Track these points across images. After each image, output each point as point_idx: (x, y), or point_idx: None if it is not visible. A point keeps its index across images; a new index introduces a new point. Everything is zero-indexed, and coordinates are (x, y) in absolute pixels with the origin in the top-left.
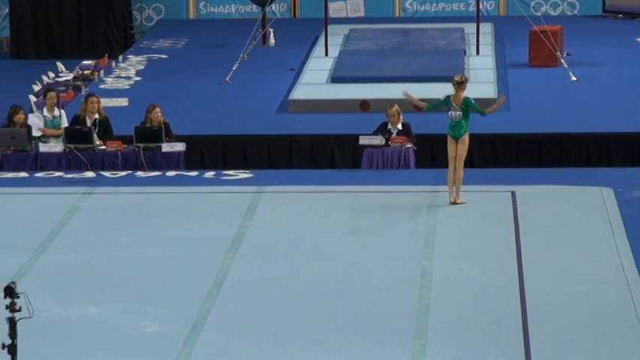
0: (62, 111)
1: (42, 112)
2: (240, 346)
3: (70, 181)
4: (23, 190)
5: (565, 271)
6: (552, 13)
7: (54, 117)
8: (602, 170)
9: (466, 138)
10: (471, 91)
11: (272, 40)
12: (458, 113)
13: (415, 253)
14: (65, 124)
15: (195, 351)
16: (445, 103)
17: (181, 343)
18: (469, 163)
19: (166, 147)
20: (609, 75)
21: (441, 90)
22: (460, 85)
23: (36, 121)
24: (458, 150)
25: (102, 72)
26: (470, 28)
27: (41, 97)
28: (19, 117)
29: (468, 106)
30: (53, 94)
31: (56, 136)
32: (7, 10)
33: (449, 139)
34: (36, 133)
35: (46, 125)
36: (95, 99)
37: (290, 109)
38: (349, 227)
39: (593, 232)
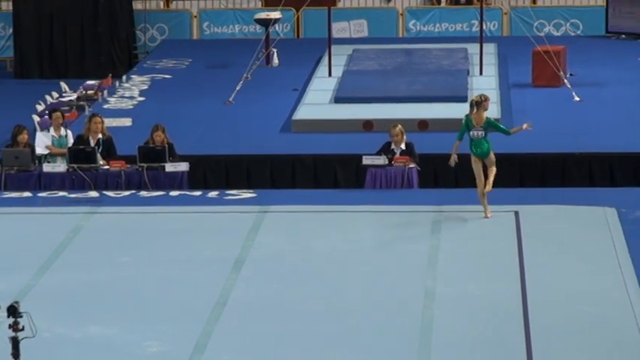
0: (68, 131)
1: (49, 132)
2: None
3: (74, 201)
4: (27, 209)
5: (568, 290)
6: (555, 33)
7: (60, 136)
8: (605, 190)
9: (492, 155)
10: None
11: (275, 61)
12: (480, 132)
13: (419, 272)
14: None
15: None
16: (466, 125)
17: None
18: (472, 182)
19: (170, 167)
20: (612, 95)
21: (444, 110)
22: (479, 104)
23: (44, 140)
24: (488, 168)
25: (105, 92)
26: (473, 48)
27: (45, 117)
28: (23, 137)
29: (489, 125)
30: (59, 113)
31: (63, 155)
32: (10, 30)
33: (473, 158)
34: (42, 151)
35: (52, 144)
36: (99, 119)
37: (293, 129)
38: (353, 247)
39: (597, 251)
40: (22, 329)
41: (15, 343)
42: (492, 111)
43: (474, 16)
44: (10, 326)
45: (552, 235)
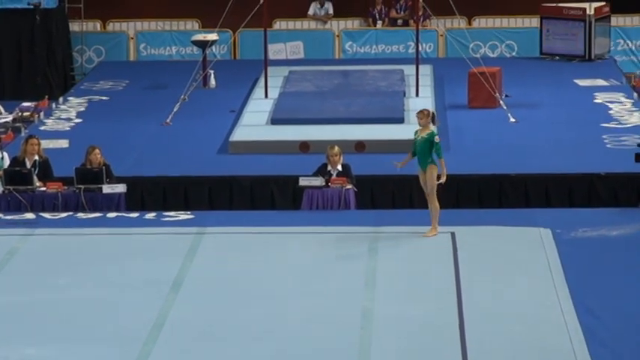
0: (4, 153)
1: None
2: None
3: (10, 223)
4: None
5: (504, 311)
6: (491, 55)
7: None
8: (540, 211)
9: (430, 168)
10: (412, 133)
11: (212, 82)
12: (421, 144)
13: (356, 293)
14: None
15: None
16: (415, 140)
17: None
18: (409, 204)
19: (107, 188)
20: (547, 116)
21: (381, 132)
22: (421, 120)
23: None
24: (427, 180)
25: (42, 114)
26: (409, 69)
27: None
28: None
29: (430, 141)
30: None
31: None
32: None
33: (419, 170)
34: None
35: None
36: (35, 140)
37: (230, 150)
38: (290, 268)
39: (532, 272)
40: None
41: None
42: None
43: (410, 37)
44: None
45: (488, 255)
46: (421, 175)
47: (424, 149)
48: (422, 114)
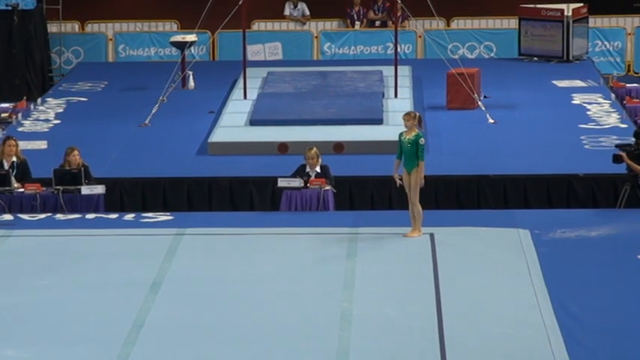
0: None
1: None
2: None
3: None
4: None
5: (483, 312)
6: (469, 56)
7: None
8: (519, 212)
9: (416, 171)
10: (390, 134)
11: (191, 83)
12: (408, 147)
13: (335, 295)
14: None
15: None
16: (400, 142)
17: None
18: (388, 204)
19: (86, 189)
20: (526, 117)
21: (359, 133)
22: (408, 121)
23: None
24: (411, 183)
25: (20, 115)
26: (388, 70)
27: None
28: None
29: (417, 142)
30: None
31: None
32: None
33: (403, 171)
34: None
35: None
36: (13, 142)
37: (209, 151)
38: (268, 269)
39: (511, 273)
40: None
41: None
42: None
43: (388, 38)
44: None
45: (467, 256)
46: (405, 176)
47: (411, 151)
48: (409, 116)
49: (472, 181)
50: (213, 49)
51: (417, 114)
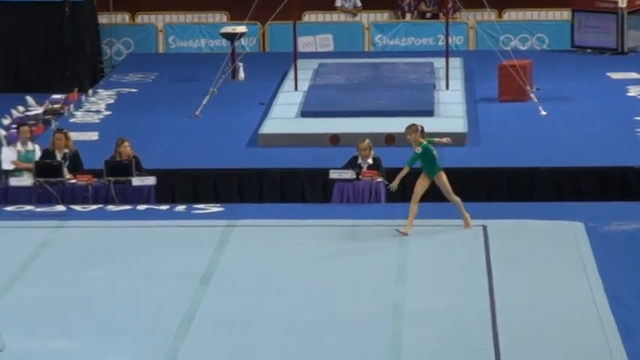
0: (36, 145)
1: (15, 146)
2: None
3: (41, 215)
4: None
5: (537, 305)
6: (521, 47)
7: (27, 151)
8: (572, 204)
9: (439, 176)
10: (441, 126)
11: (242, 75)
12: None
13: (387, 287)
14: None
15: None
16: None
17: None
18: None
19: (137, 181)
20: (579, 109)
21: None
22: (410, 135)
23: (10, 155)
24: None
25: (72, 106)
26: (439, 62)
27: (12, 131)
28: None
29: (428, 150)
30: (27, 128)
31: (29, 170)
32: None
33: (424, 177)
34: (8, 166)
35: (19, 159)
36: (61, 135)
37: (260, 143)
38: (320, 261)
39: (565, 266)
40: None
41: None
42: (457, 125)
43: (439, 30)
44: None
45: (520, 249)
46: (425, 181)
47: (427, 161)
48: (409, 129)
49: (524, 173)
50: (263, 41)
51: (419, 126)
